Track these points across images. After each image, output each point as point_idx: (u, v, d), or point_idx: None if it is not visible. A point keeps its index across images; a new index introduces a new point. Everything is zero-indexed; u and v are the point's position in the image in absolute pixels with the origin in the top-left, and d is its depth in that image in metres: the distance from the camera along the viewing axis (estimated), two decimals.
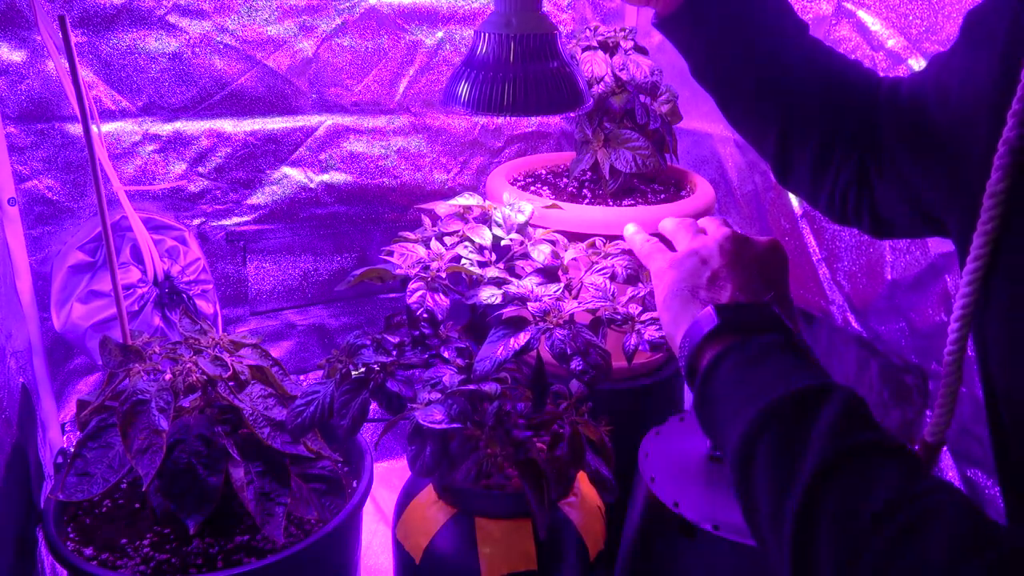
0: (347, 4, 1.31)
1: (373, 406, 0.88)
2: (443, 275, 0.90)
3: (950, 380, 0.58)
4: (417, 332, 0.90)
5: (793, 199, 1.27)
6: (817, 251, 1.24)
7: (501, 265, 0.94)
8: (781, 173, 0.79)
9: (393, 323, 0.96)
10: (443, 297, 0.89)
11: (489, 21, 0.80)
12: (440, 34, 1.39)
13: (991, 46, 0.56)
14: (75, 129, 1.20)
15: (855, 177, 0.73)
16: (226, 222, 1.36)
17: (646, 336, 0.84)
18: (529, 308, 0.86)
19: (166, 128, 1.26)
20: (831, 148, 0.74)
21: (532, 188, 1.29)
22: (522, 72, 0.78)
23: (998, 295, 0.54)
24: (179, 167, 1.29)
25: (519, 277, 0.92)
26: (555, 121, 1.58)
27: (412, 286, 0.89)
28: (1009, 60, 0.54)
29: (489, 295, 0.88)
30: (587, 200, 1.24)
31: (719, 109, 0.80)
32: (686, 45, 0.77)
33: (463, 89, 0.80)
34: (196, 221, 1.33)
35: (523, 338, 0.83)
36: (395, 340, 0.92)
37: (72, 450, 0.90)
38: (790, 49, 0.74)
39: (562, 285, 0.90)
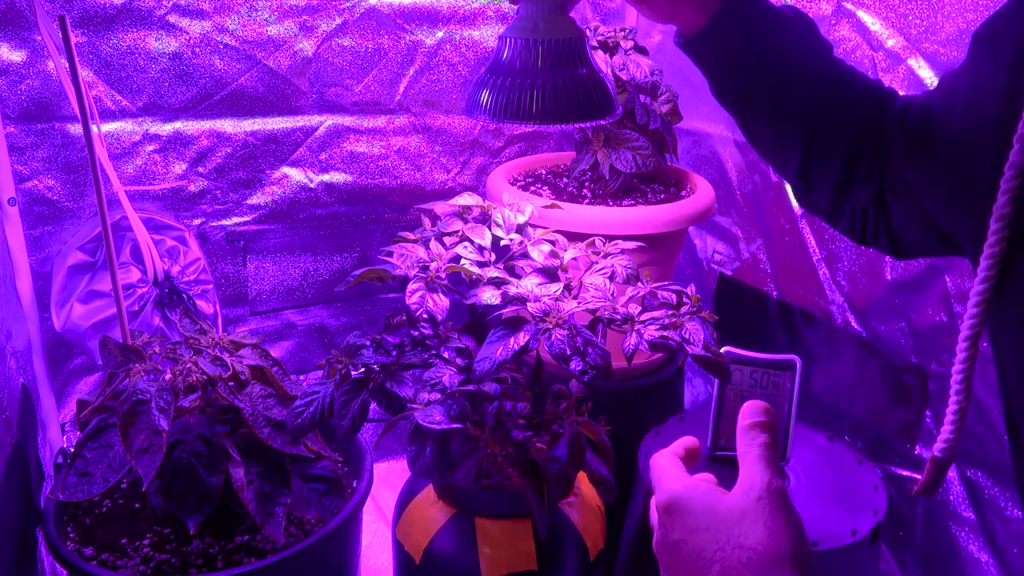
0: (347, 4, 1.31)
1: (373, 406, 0.88)
2: (443, 275, 0.90)
3: (959, 399, 0.58)
4: (417, 332, 0.90)
5: (793, 198, 1.27)
6: (817, 251, 1.24)
7: (500, 265, 0.94)
8: (802, 193, 0.78)
9: (393, 323, 0.96)
10: (443, 297, 0.89)
11: (514, 26, 0.77)
12: (440, 34, 1.39)
13: (997, 62, 0.55)
14: (75, 129, 1.20)
15: (873, 198, 0.72)
16: (226, 222, 1.36)
17: (646, 336, 0.84)
18: (529, 308, 0.86)
19: (166, 128, 1.26)
20: (853, 170, 0.72)
21: (532, 188, 1.29)
22: (550, 79, 0.76)
23: (1010, 316, 0.54)
24: (179, 167, 1.29)
25: (519, 277, 0.92)
26: None
27: (411, 286, 0.89)
28: (1015, 78, 0.53)
29: (489, 295, 0.88)
30: (587, 200, 1.24)
31: (740, 129, 0.78)
32: (709, 65, 0.75)
33: (486, 96, 0.77)
34: (196, 221, 1.33)
35: (522, 338, 0.83)
36: (395, 340, 0.92)
37: (72, 450, 0.90)
38: (815, 71, 0.72)
39: (562, 285, 0.90)
